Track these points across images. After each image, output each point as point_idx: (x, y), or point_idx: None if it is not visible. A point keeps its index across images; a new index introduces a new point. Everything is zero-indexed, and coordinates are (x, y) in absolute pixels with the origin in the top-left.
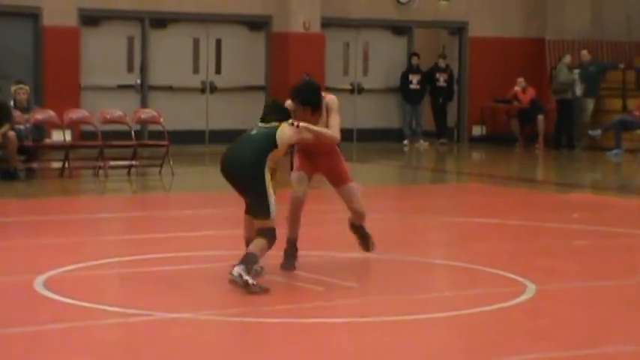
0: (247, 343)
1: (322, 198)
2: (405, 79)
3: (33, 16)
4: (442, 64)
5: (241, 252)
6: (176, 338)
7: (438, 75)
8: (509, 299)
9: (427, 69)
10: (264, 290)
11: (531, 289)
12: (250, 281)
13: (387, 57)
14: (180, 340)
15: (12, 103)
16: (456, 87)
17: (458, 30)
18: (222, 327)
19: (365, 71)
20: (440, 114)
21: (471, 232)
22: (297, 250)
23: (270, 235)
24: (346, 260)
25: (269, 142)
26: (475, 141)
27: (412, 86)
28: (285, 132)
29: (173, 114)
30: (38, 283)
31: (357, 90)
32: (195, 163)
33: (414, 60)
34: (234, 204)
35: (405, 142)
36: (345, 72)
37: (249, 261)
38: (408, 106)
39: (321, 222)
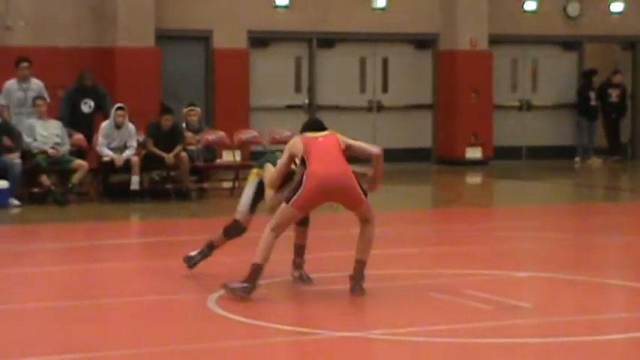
0: None
1: (490, 216)
2: (583, 95)
3: (204, 39)
4: (616, 79)
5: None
6: (345, 357)
7: (610, 90)
8: None
9: (598, 84)
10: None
11: None
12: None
13: (556, 73)
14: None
15: (184, 125)
16: (629, 102)
17: (631, 44)
18: (391, 346)
19: (534, 88)
20: (613, 130)
21: None
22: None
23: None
24: (518, 279)
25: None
26: None
27: (592, 102)
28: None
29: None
30: (211, 301)
31: (526, 107)
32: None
33: (594, 76)
34: (400, 221)
35: (577, 159)
36: (514, 89)
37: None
38: (585, 123)
39: (491, 240)
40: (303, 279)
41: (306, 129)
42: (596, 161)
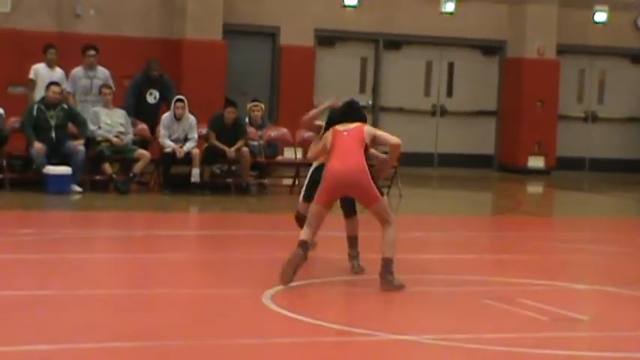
0: None
1: (550, 226)
2: None
3: (271, 35)
4: None
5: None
6: None
7: None
8: None
9: None
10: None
11: None
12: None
13: (624, 85)
14: None
15: (247, 120)
16: None
17: None
18: (443, 352)
19: (600, 99)
20: None
21: None
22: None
23: None
24: (576, 291)
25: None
26: None
27: None
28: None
29: (403, 136)
30: (266, 297)
31: (592, 118)
32: (423, 186)
33: None
34: (459, 227)
35: None
36: (580, 100)
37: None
38: None
39: (550, 250)
40: (355, 269)
41: (340, 117)
42: None
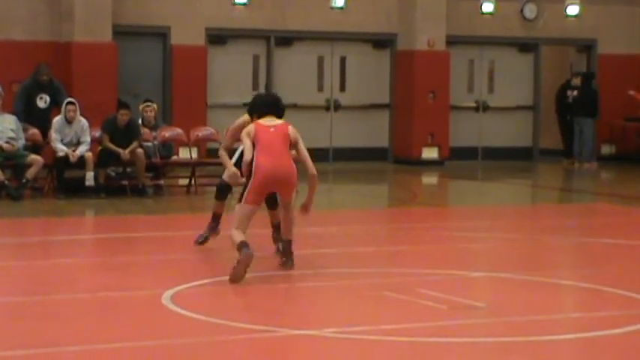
0: None
1: (445, 216)
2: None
3: (162, 35)
4: (576, 82)
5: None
6: (299, 356)
7: (569, 92)
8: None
9: (557, 87)
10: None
11: None
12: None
13: (513, 74)
14: (302, 358)
15: (140, 121)
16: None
17: (586, 47)
18: (345, 345)
19: (490, 89)
20: (568, 132)
21: (600, 254)
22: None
23: None
24: (472, 279)
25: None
26: (604, 160)
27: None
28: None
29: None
30: (166, 298)
31: (483, 108)
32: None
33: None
34: (356, 220)
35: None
36: (470, 90)
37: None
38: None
39: (446, 240)
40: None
41: (262, 109)
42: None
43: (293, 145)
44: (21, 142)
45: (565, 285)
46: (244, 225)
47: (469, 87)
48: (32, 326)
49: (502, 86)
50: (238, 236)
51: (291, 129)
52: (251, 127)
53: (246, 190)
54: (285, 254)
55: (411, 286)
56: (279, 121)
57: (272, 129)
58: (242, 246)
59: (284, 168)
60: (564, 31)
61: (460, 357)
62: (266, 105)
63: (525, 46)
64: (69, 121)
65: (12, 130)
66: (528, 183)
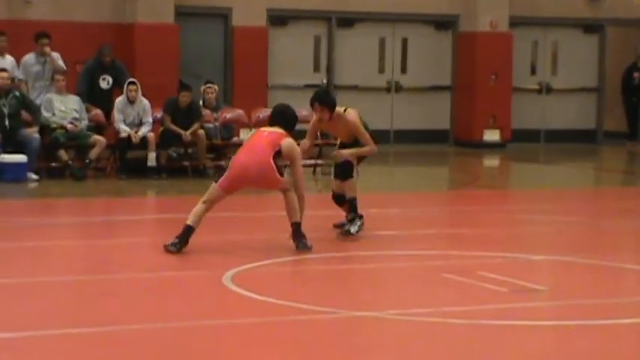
0: (430, 343)
1: (507, 199)
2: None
3: (223, 16)
4: None
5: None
6: (358, 337)
7: (635, 74)
8: None
9: (624, 69)
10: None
11: None
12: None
13: (577, 56)
14: (362, 340)
15: (201, 102)
16: None
17: None
18: (404, 327)
19: (553, 71)
20: (634, 114)
21: None
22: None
23: None
24: (533, 262)
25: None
26: None
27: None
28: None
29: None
30: (226, 278)
31: (546, 90)
32: (379, 163)
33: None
34: (417, 203)
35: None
36: (533, 71)
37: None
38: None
39: (507, 223)
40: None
41: (273, 120)
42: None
43: (286, 158)
44: (84, 123)
45: (628, 269)
46: (210, 203)
47: (532, 69)
48: (94, 305)
49: (566, 68)
50: (191, 217)
51: (286, 142)
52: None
53: (223, 177)
54: (293, 238)
55: (471, 268)
56: (279, 131)
57: (265, 133)
58: (183, 233)
59: (256, 165)
60: (630, 11)
61: (521, 340)
62: (272, 114)
63: (590, 27)
64: (131, 102)
65: (75, 110)
66: (591, 166)
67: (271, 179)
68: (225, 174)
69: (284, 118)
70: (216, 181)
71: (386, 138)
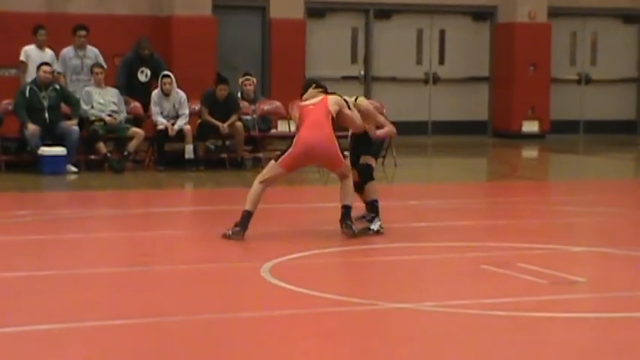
0: (467, 335)
1: (546, 190)
2: None
3: (261, 9)
4: None
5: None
6: (396, 329)
7: None
8: None
9: None
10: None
11: None
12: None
13: (617, 46)
14: (399, 331)
15: (239, 94)
16: None
17: None
18: (443, 319)
19: (593, 61)
20: None
21: None
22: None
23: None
24: (573, 254)
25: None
26: None
27: None
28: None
29: (396, 105)
30: (264, 270)
31: (585, 81)
32: (417, 154)
33: None
34: (455, 194)
35: None
36: (572, 62)
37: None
38: None
39: (546, 214)
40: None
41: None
42: None
43: (338, 115)
44: (123, 115)
45: None
46: (268, 182)
47: (571, 59)
48: (133, 297)
49: (605, 58)
50: (249, 202)
51: (330, 103)
52: (295, 109)
53: (284, 155)
54: (342, 221)
55: (510, 260)
56: (318, 98)
57: (311, 106)
58: (242, 219)
59: (322, 141)
60: None
61: (561, 332)
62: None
63: (630, 18)
64: (165, 94)
65: (114, 103)
66: (631, 157)
67: (336, 158)
68: (288, 151)
69: (312, 80)
70: (275, 160)
71: (424, 129)
